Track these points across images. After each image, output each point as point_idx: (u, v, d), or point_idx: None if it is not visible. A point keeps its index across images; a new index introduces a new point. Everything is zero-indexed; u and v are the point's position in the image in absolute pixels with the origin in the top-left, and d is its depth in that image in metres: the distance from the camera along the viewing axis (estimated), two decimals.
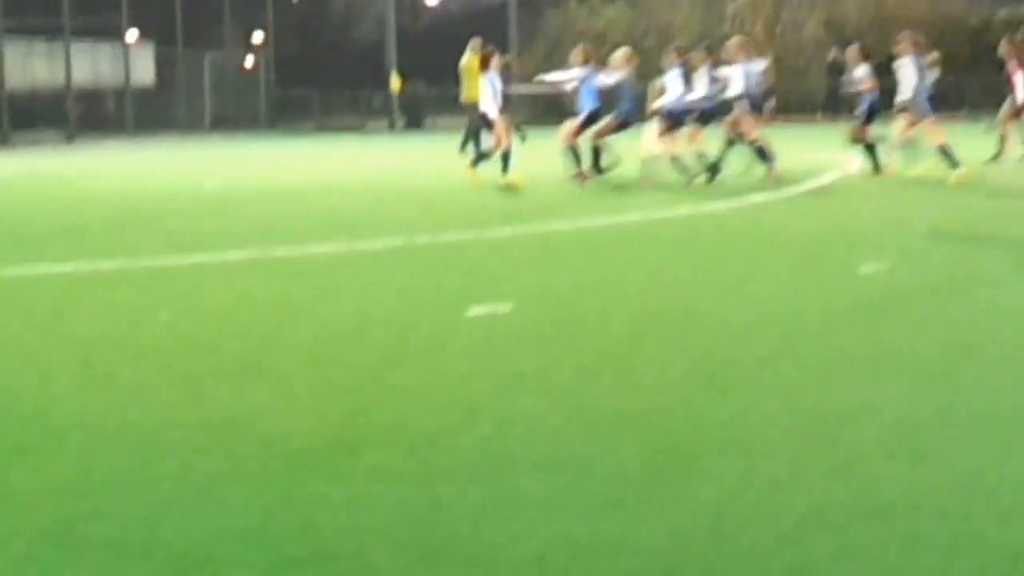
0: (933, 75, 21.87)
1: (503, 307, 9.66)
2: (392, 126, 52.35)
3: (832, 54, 45.39)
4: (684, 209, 17.17)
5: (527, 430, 6.31)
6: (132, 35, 54.60)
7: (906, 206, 17.46)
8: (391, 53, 53.06)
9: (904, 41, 20.92)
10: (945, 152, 20.00)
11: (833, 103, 48.77)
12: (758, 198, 18.41)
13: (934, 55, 22.27)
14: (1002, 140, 24.21)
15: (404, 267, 12.44)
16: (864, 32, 50.07)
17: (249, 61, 61.64)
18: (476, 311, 9.52)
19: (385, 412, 6.74)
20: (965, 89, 48.33)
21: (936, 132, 20.32)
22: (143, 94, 53.58)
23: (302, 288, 11.10)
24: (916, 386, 7.11)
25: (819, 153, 26.13)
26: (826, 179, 21.33)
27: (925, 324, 8.97)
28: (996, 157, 23.80)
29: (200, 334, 9.06)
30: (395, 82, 50.83)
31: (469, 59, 24.23)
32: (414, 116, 52.44)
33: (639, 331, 8.93)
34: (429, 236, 14.45)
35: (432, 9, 72.72)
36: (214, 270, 12.47)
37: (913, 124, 20.80)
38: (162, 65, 55.30)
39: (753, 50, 22.61)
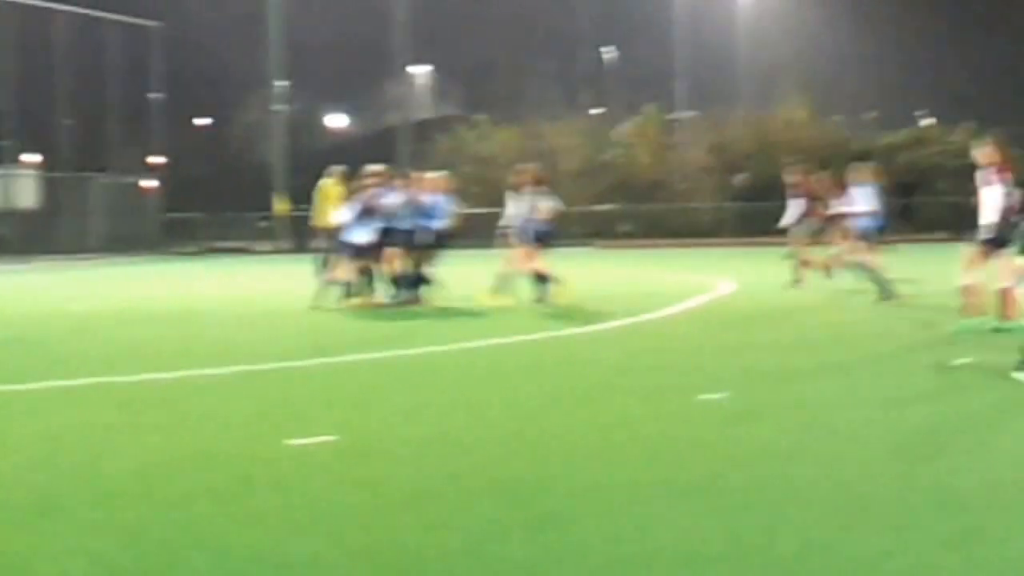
0: None
1: (327, 437, 9.43)
2: (277, 249, 52.09)
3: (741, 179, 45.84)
4: (533, 334, 16.94)
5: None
6: (23, 158, 54.39)
7: (760, 331, 17.39)
8: (279, 175, 52.98)
9: None
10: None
11: (722, 226, 49.31)
12: (612, 323, 18.33)
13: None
14: (800, 265, 24.46)
15: (240, 395, 12.15)
16: (749, 156, 50.85)
17: (146, 183, 61.41)
18: (297, 441, 9.29)
19: (170, 555, 6.47)
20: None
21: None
22: (29, 217, 53.13)
23: (130, 416, 10.74)
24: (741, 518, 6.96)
25: (696, 275, 26.02)
26: (689, 303, 21.29)
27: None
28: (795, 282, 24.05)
29: None
30: (279, 204, 50.68)
31: (327, 184, 23.82)
32: (300, 239, 52.20)
33: (459, 465, 8.56)
34: (276, 362, 14.19)
35: (332, 132, 72.93)
36: (41, 397, 12.12)
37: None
38: (52, 188, 54.97)
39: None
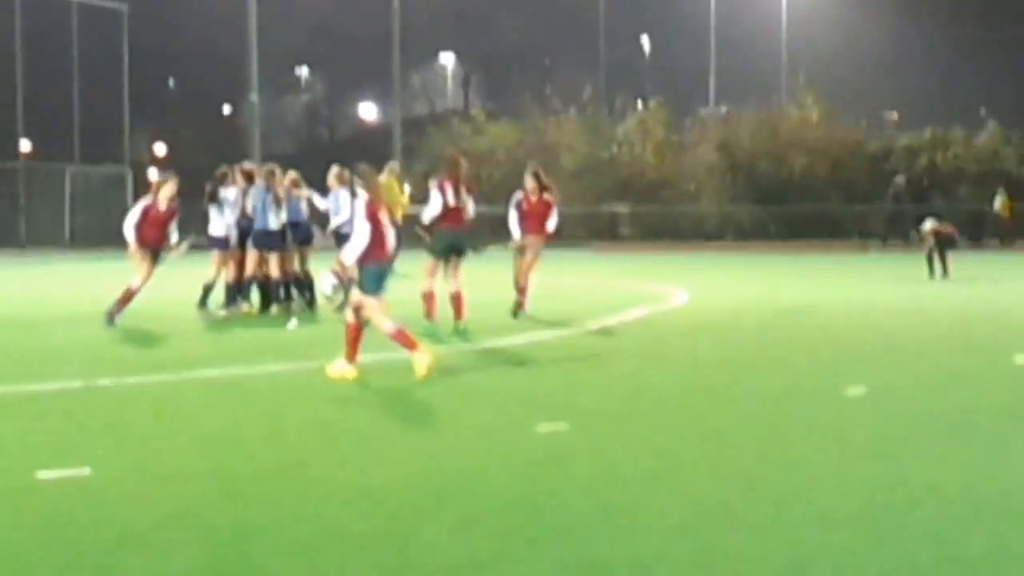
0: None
1: (80, 470, 8.61)
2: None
3: None
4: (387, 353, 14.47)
5: None
6: None
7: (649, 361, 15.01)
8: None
9: None
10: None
11: (727, 230, 46.76)
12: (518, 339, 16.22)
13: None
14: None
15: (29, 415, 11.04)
16: (758, 158, 48.10)
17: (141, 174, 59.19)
18: (48, 473, 8.50)
19: None
20: (866, 216, 46.33)
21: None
22: None
23: None
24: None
25: (660, 284, 23.69)
26: (610, 320, 18.77)
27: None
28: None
29: None
30: None
31: None
32: None
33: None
34: (105, 377, 12.94)
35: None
36: None
37: None
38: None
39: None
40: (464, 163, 17.17)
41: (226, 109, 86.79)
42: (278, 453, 9.29)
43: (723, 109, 54.84)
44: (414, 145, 50.95)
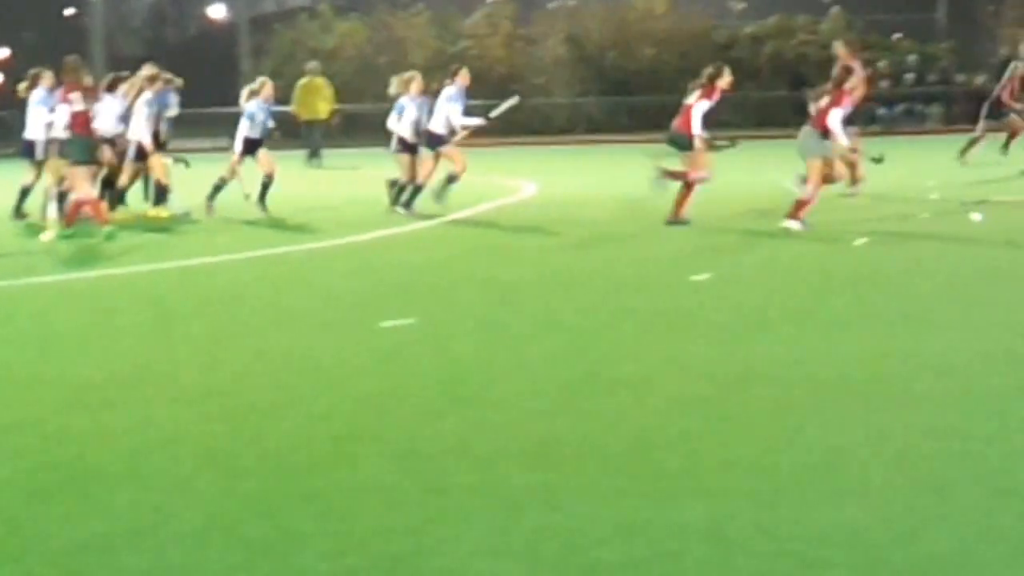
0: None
1: None
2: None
3: None
4: (241, 252, 14.39)
5: None
6: None
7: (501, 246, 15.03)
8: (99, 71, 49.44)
9: None
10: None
11: (578, 123, 46.81)
12: (342, 240, 16.01)
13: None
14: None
15: None
16: (606, 50, 48.07)
17: None
18: None
19: None
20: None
21: None
22: None
23: None
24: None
25: (509, 177, 23.60)
26: (473, 210, 18.71)
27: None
28: None
29: None
30: None
31: None
32: None
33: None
34: None
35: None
36: None
37: None
38: None
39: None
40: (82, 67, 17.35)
41: (68, 10, 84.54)
42: (122, 359, 9.16)
43: (570, 1, 54.55)
44: (262, 43, 50.01)
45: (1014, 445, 6.40)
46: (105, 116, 17.93)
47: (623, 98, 46.54)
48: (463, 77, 19.36)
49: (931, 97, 45.32)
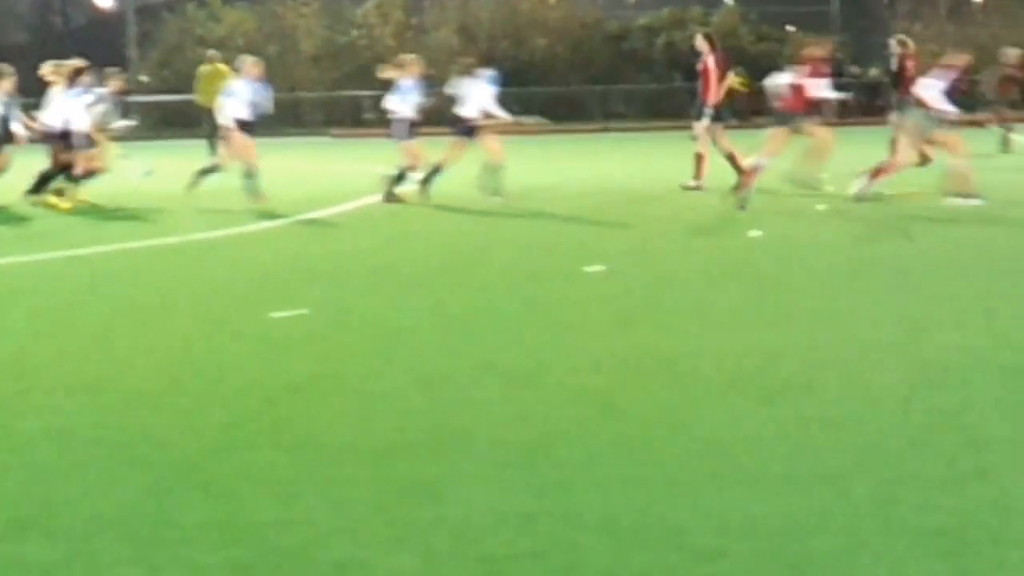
0: None
1: None
2: None
3: None
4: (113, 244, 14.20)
5: None
6: None
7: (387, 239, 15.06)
8: None
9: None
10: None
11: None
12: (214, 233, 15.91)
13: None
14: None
15: None
16: (498, 40, 48.05)
17: None
18: None
19: None
20: (606, 97, 46.72)
21: None
22: None
23: None
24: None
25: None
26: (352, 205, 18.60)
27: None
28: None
29: None
30: None
31: None
32: None
33: None
34: None
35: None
36: None
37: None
38: None
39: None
40: None
41: None
42: (6, 348, 9.00)
43: None
44: (150, 32, 49.49)
45: (909, 437, 6.44)
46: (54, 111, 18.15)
47: (515, 89, 46.57)
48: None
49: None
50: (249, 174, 18.25)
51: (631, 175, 21.68)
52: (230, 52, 45.76)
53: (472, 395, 7.43)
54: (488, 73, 19.18)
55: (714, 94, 19.60)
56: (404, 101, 19.02)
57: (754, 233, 14.39)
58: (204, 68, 31.66)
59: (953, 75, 17.33)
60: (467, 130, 18.79)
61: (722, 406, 7.08)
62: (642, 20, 49.54)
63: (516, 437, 6.53)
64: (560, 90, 46.34)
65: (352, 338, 9.21)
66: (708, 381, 7.66)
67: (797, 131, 17.79)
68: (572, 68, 47.70)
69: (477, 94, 18.91)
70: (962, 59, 18.06)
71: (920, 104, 17.07)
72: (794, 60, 20.48)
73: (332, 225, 16.49)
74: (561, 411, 7.02)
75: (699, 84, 19.82)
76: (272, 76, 21.93)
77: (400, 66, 19.52)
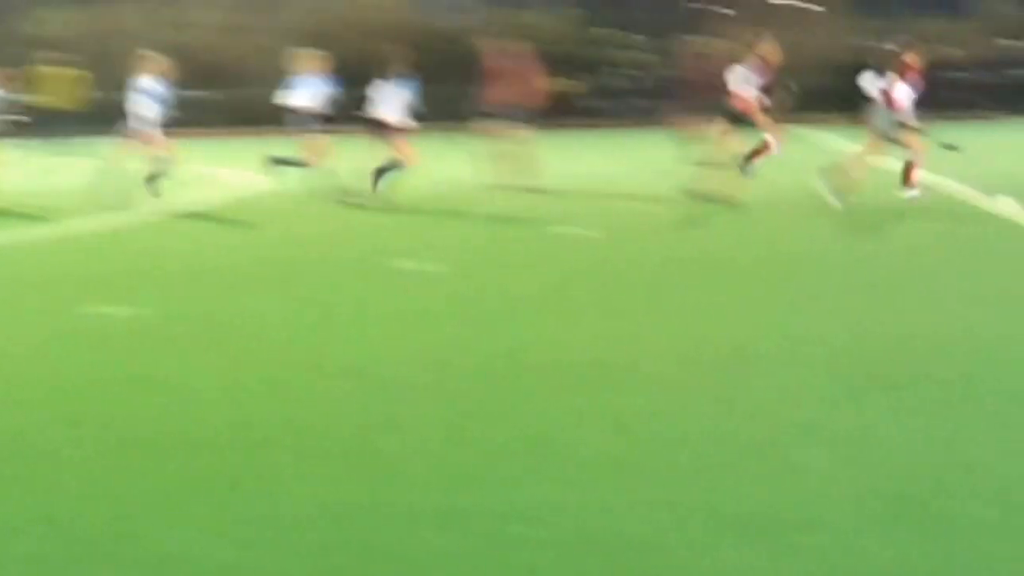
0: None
1: None
2: None
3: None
4: None
5: None
6: None
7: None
8: None
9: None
10: None
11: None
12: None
13: None
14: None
15: None
16: (334, 39, 47.84)
17: None
18: None
19: None
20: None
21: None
22: None
23: None
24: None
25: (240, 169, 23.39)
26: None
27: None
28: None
29: None
30: None
31: None
32: None
33: None
34: None
35: None
36: None
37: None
38: None
39: None
40: None
41: None
42: None
43: None
44: None
45: (720, 428, 6.64)
46: None
47: (348, 89, 46.53)
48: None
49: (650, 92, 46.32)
50: (156, 171, 18.24)
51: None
52: (62, 52, 45.25)
53: (296, 391, 7.53)
54: (405, 78, 19.03)
55: (498, 93, 19.70)
56: (311, 95, 18.90)
57: (561, 229, 14.70)
58: (43, 69, 31.32)
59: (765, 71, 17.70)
60: (379, 128, 18.71)
61: (541, 397, 7.29)
62: (468, 25, 49.57)
63: (341, 432, 6.64)
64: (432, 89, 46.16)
65: (167, 334, 9.27)
66: (527, 373, 7.87)
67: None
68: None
69: (391, 97, 18.80)
70: (775, 54, 18.28)
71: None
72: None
73: (163, 226, 16.41)
74: (385, 406, 7.15)
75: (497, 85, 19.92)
76: (102, 76, 21.70)
77: (308, 59, 19.37)
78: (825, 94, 34.97)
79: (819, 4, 44.62)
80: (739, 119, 17.78)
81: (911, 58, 17.36)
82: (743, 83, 17.69)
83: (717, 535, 5.09)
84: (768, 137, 17.83)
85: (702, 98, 18.82)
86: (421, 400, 7.24)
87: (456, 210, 17.37)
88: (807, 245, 13.82)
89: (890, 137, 16.93)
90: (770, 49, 18.25)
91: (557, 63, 20.99)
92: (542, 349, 8.54)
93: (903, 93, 17.00)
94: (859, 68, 18.38)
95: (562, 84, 21.31)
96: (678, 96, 20.67)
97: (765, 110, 17.86)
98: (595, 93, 45.72)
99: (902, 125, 16.83)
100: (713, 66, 19.21)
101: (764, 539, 5.04)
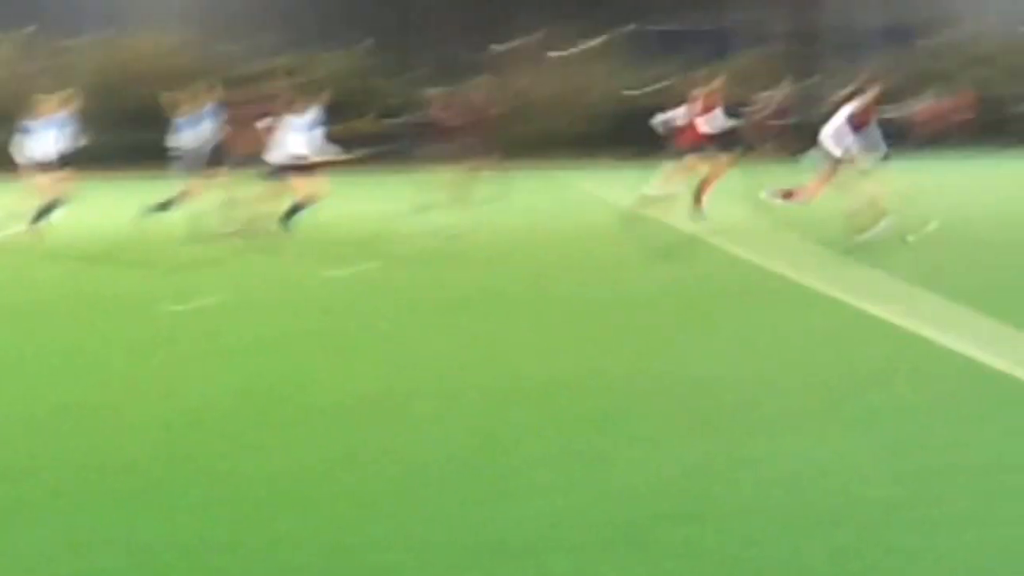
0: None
1: None
2: None
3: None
4: None
5: None
6: None
7: None
8: None
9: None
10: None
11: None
12: None
13: None
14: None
15: None
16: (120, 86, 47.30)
17: None
18: None
19: None
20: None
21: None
22: None
23: None
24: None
25: None
26: None
27: None
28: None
29: None
30: None
31: None
32: None
33: None
34: None
35: None
36: None
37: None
38: None
39: None
40: None
41: None
42: None
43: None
44: None
45: (501, 457, 7.06)
46: None
47: (136, 132, 45.87)
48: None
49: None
50: (48, 207, 18.21)
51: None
52: None
53: (60, 426, 7.94)
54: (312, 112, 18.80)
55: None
56: (194, 133, 18.89)
57: (340, 271, 14.81)
58: None
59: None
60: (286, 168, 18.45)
61: (313, 435, 7.64)
62: (280, 61, 49.24)
63: (94, 463, 7.03)
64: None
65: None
66: (305, 410, 8.25)
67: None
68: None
69: (297, 132, 18.53)
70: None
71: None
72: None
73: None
74: (195, 433, 7.66)
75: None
76: None
77: (191, 98, 19.22)
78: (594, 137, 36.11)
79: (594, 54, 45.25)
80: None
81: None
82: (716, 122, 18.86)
83: (462, 563, 5.46)
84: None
85: (458, 141, 19.19)
86: (171, 437, 7.61)
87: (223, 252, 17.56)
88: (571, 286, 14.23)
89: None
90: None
91: (343, 104, 21.04)
92: (321, 387, 8.94)
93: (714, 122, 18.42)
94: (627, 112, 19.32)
95: (362, 124, 21.38)
96: (434, 138, 20.90)
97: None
98: (377, 135, 45.83)
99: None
100: (470, 109, 19.58)
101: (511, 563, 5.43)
